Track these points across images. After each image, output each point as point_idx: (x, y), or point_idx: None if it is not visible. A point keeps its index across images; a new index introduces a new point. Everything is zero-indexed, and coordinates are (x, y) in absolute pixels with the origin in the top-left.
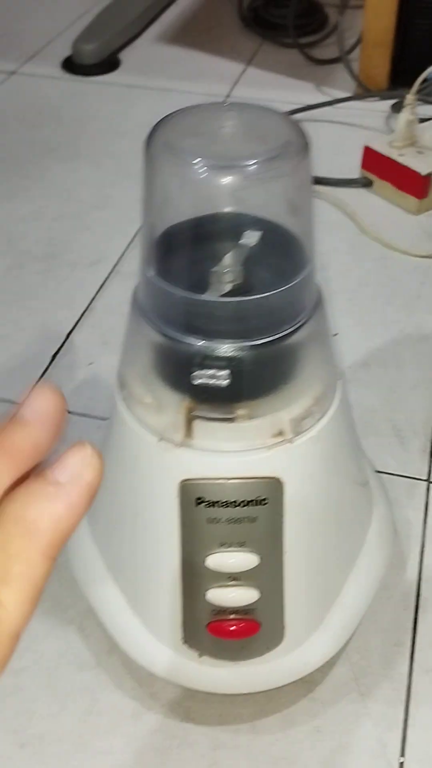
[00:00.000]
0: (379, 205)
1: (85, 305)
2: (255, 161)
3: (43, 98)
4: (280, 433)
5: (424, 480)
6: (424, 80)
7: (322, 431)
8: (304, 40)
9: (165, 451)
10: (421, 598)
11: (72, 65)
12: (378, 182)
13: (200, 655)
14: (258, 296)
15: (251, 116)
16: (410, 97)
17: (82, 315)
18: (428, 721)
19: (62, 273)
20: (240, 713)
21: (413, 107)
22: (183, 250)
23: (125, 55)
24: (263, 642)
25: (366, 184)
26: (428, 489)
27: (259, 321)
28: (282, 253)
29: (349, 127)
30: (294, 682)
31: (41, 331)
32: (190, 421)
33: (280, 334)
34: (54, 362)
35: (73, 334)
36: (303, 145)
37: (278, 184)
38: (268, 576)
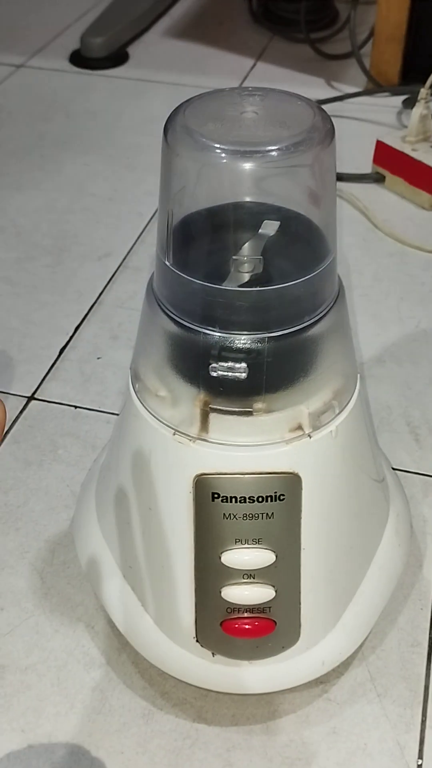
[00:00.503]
0: (391, 201)
1: (94, 299)
2: (277, 147)
3: (51, 92)
4: (299, 428)
5: None
6: None
7: (341, 426)
8: (315, 35)
9: (180, 445)
10: None
11: (80, 59)
12: (390, 177)
13: (213, 655)
14: (278, 286)
15: (273, 101)
16: (424, 91)
17: (91, 309)
18: None
19: (72, 266)
20: (254, 713)
21: (426, 102)
22: (201, 238)
23: (134, 49)
24: (278, 641)
25: (378, 179)
26: None
27: (279, 312)
28: (303, 242)
29: (360, 122)
30: (309, 682)
31: (50, 325)
32: (205, 414)
33: (301, 326)
34: (62, 356)
35: (81, 328)
36: (328, 131)
37: (301, 171)
38: (285, 574)
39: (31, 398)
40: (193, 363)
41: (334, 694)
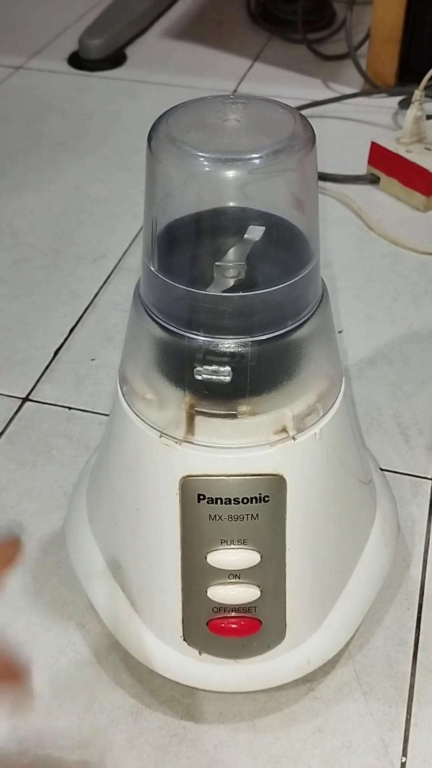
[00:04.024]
0: (386, 202)
1: (89, 300)
2: (259, 154)
3: (49, 93)
4: (283, 430)
5: (429, 478)
6: None
7: (326, 428)
8: (312, 36)
9: (166, 447)
10: (425, 596)
11: (78, 60)
12: (385, 179)
13: (200, 653)
14: (262, 291)
15: (255, 109)
16: (418, 93)
17: (86, 310)
18: (431, 720)
19: (67, 268)
20: (241, 711)
21: (421, 103)
22: (186, 244)
23: (132, 51)
24: (264, 640)
25: (373, 180)
26: None
27: (263, 316)
28: (286, 247)
29: (356, 123)
30: (295, 680)
31: (45, 326)
32: (191, 417)
33: (284, 330)
34: (57, 357)
35: (76, 329)
36: (308, 138)
37: (283, 177)
38: (270, 574)
39: (25, 399)
40: (178, 366)
41: (320, 692)
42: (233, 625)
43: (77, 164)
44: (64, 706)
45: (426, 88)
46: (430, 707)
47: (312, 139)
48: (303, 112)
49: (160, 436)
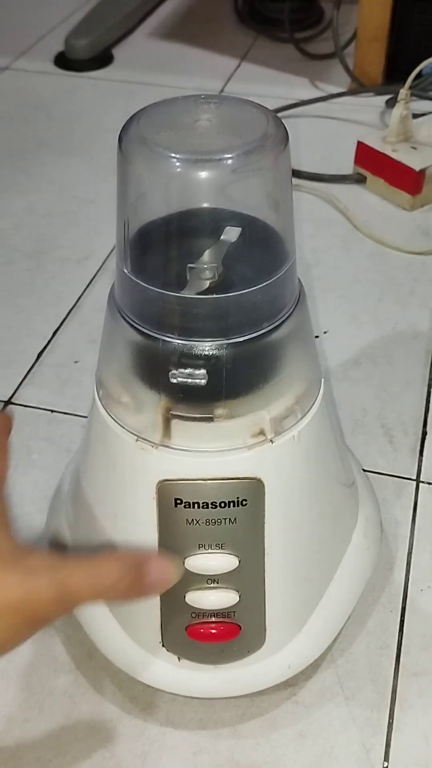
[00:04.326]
0: (372, 202)
1: (73, 303)
2: (232, 154)
3: (35, 94)
4: (261, 433)
5: (413, 480)
6: (419, 75)
7: (304, 431)
8: (299, 35)
9: (143, 451)
10: (408, 599)
11: (64, 61)
12: (371, 178)
13: (179, 659)
14: (236, 293)
15: (228, 109)
16: (404, 91)
17: (69, 312)
18: (413, 725)
19: (51, 270)
20: (221, 717)
21: (407, 102)
22: (159, 246)
23: (118, 51)
24: (244, 645)
25: (359, 180)
26: (417, 489)
27: (238, 318)
28: (261, 248)
29: (343, 123)
30: (277, 685)
31: (28, 329)
32: (167, 420)
33: (260, 332)
34: (39, 360)
35: (59, 332)
36: (281, 138)
37: (256, 177)
38: (249, 578)
39: (7, 403)
40: (153, 370)
41: (302, 697)
42: (212, 631)
43: (63, 165)
44: (43, 714)
45: (412, 87)
46: (413, 712)
47: (285, 138)
48: (290, 111)
49: (137, 440)
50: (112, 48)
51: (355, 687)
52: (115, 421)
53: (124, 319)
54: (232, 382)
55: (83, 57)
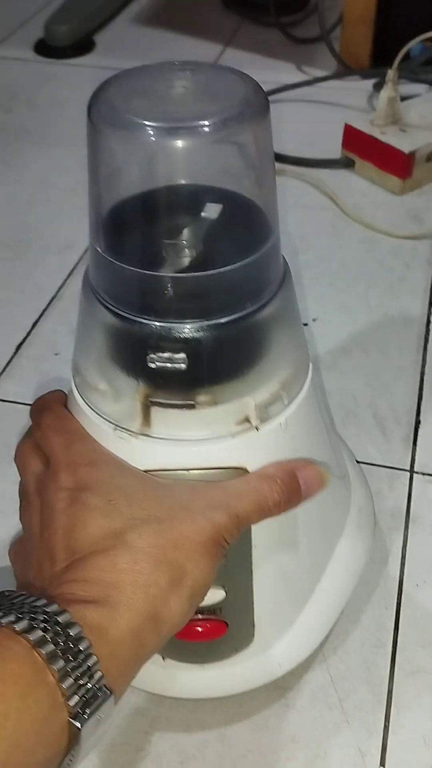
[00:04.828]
0: (361, 186)
1: (53, 293)
2: (209, 122)
3: (15, 82)
4: (246, 420)
5: (407, 470)
6: (407, 57)
7: (291, 418)
8: (284, 20)
9: (121, 440)
10: (404, 594)
11: (45, 48)
12: (360, 162)
13: (164, 659)
14: (216, 271)
15: (204, 75)
16: (391, 72)
17: (50, 303)
18: (410, 726)
19: (32, 260)
20: (210, 722)
21: (395, 84)
22: (134, 223)
23: (100, 37)
24: (231, 643)
25: (348, 164)
26: (411, 479)
27: (219, 298)
28: (242, 223)
29: (330, 107)
30: (266, 686)
31: (7, 321)
32: (147, 408)
33: (243, 313)
34: (18, 353)
35: (39, 323)
36: (262, 104)
37: (233, 147)
38: (235, 573)
39: None
40: (131, 354)
41: (292, 699)
42: (198, 629)
43: (44, 154)
44: None
45: (400, 69)
46: (409, 713)
47: (265, 104)
48: (276, 96)
49: (114, 429)
50: (94, 34)
51: (348, 687)
52: (93, 410)
53: (99, 300)
54: (214, 366)
55: (64, 44)
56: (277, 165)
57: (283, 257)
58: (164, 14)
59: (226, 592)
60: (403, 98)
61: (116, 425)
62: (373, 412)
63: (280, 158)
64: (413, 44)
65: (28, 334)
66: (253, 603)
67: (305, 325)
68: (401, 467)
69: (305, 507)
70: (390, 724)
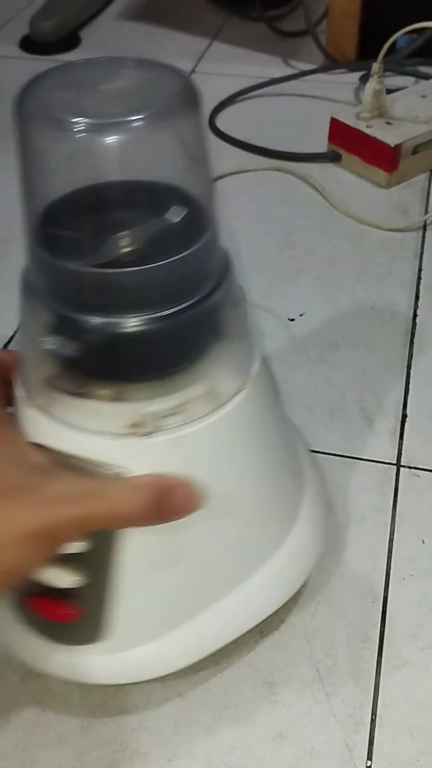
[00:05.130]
0: (348, 180)
1: None
2: (140, 116)
3: (0, 78)
4: (135, 425)
5: (393, 464)
6: (393, 49)
7: (192, 435)
8: (270, 13)
9: (26, 409)
10: (390, 588)
11: (30, 44)
12: (346, 156)
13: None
14: (132, 269)
15: (134, 71)
16: (376, 65)
17: None
18: (397, 720)
19: (19, 258)
20: (197, 719)
21: (380, 76)
22: (68, 219)
23: (86, 33)
24: (87, 632)
25: (334, 158)
26: (398, 473)
27: (127, 297)
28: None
29: (317, 100)
30: (254, 682)
31: None
32: (49, 386)
33: (152, 316)
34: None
35: None
36: (192, 98)
37: (168, 140)
38: (96, 568)
39: None
40: (35, 335)
41: (280, 695)
42: (47, 605)
43: None
44: (9, 723)
45: (386, 61)
46: (396, 706)
47: (196, 98)
48: (262, 90)
49: (25, 398)
50: (79, 30)
51: (335, 683)
52: (20, 379)
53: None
54: (115, 363)
55: (49, 40)
56: (264, 159)
57: (228, 262)
58: (150, 9)
59: (85, 582)
60: (390, 91)
61: (28, 395)
62: (360, 407)
63: (266, 152)
64: (398, 36)
65: (16, 332)
66: (109, 601)
67: (291, 320)
68: (388, 461)
69: (208, 529)
70: (377, 718)
